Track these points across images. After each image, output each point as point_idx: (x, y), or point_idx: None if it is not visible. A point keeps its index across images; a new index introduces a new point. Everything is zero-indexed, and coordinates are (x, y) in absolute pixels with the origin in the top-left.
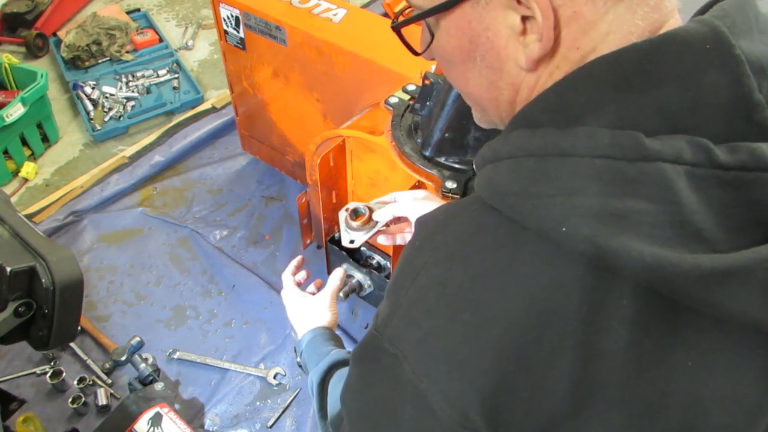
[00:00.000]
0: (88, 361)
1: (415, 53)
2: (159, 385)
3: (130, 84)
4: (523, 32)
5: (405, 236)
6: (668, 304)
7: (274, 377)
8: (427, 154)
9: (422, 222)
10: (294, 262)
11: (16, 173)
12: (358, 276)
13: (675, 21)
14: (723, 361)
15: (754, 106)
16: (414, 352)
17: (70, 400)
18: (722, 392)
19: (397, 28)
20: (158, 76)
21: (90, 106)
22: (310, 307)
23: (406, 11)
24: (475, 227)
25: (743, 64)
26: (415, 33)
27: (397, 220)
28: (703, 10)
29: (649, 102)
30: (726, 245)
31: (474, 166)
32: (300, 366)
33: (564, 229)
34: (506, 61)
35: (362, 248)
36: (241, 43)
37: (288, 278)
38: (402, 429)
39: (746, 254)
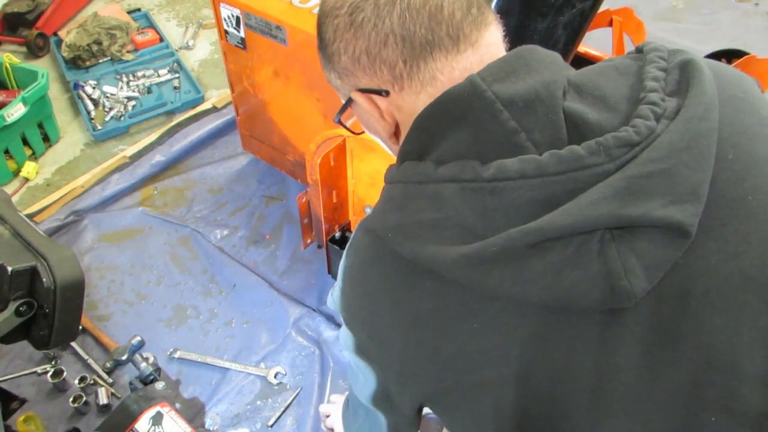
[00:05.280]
0: (89, 361)
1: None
2: (160, 385)
3: (131, 84)
4: (382, 117)
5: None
6: (457, 288)
7: (275, 376)
8: None
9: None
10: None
11: (17, 173)
12: None
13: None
14: (496, 329)
15: (511, 132)
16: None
17: (71, 399)
18: (496, 353)
19: (338, 121)
20: (159, 76)
21: (91, 106)
22: None
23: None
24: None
25: (495, 102)
26: None
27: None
28: None
29: (449, 139)
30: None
31: None
32: None
33: (389, 235)
34: (384, 135)
35: None
36: (242, 43)
37: None
38: None
39: (495, 239)
